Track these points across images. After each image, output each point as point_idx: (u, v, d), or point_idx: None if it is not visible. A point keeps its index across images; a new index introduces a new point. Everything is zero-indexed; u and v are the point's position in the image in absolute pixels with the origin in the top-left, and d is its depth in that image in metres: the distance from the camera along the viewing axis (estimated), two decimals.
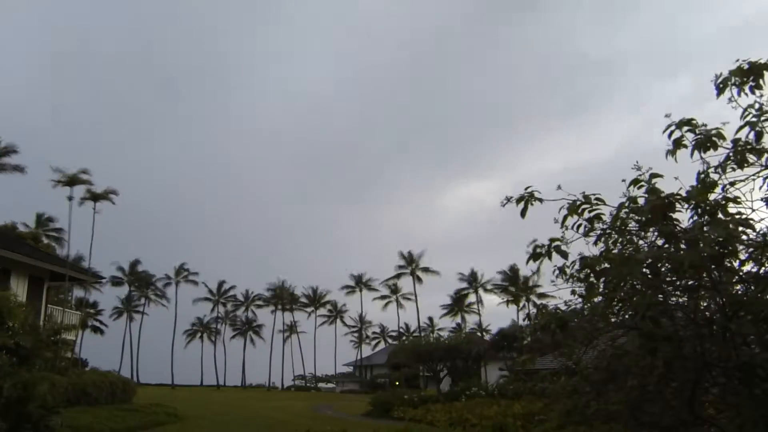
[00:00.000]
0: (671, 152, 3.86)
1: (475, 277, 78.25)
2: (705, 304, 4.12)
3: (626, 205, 3.98)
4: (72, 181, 32.20)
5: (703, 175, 3.83)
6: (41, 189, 33.80)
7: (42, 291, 27.72)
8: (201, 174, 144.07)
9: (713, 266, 3.63)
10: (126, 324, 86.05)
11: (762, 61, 3.60)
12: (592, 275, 4.11)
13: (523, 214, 4.22)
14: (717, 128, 3.71)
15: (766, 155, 3.66)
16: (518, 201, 4.22)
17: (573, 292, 4.41)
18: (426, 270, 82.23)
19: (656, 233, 3.95)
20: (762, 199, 3.71)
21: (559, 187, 4.11)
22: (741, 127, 3.64)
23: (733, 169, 3.73)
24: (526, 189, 4.23)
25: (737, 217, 3.68)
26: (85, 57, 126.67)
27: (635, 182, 3.98)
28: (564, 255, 4.16)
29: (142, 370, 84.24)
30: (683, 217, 3.89)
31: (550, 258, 4.19)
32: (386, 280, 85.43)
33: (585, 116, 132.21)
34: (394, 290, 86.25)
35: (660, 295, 3.89)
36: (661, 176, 3.92)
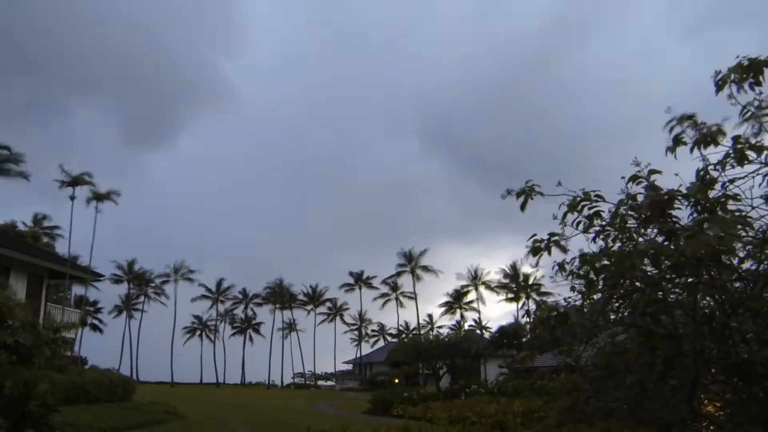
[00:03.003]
0: (671, 149, 3.85)
1: (477, 273, 78.28)
2: (704, 302, 4.12)
3: (625, 201, 3.98)
4: (75, 181, 32.51)
5: (702, 172, 3.82)
6: (43, 190, 33.99)
7: (41, 289, 27.73)
8: (201, 171, 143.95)
9: (712, 263, 3.62)
10: (125, 322, 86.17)
11: (762, 58, 3.59)
12: (591, 272, 4.11)
13: (522, 208, 4.22)
14: (717, 124, 3.70)
15: (765, 152, 3.65)
16: (518, 195, 4.22)
17: (573, 289, 4.42)
18: (426, 268, 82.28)
19: (656, 230, 3.95)
20: (762, 197, 3.70)
21: (559, 183, 4.10)
22: (741, 122, 3.63)
23: (733, 167, 3.72)
24: (526, 182, 4.23)
25: (737, 214, 3.68)
26: None
27: (634, 179, 3.97)
28: (563, 250, 4.16)
29: (142, 368, 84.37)
30: (682, 214, 3.89)
31: (549, 253, 4.19)
32: (386, 279, 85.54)
33: None
34: (394, 288, 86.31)
35: (659, 293, 3.89)
36: (659, 172, 3.91)
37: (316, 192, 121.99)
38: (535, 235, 4.23)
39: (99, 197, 34.16)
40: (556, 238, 4.15)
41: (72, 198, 32.76)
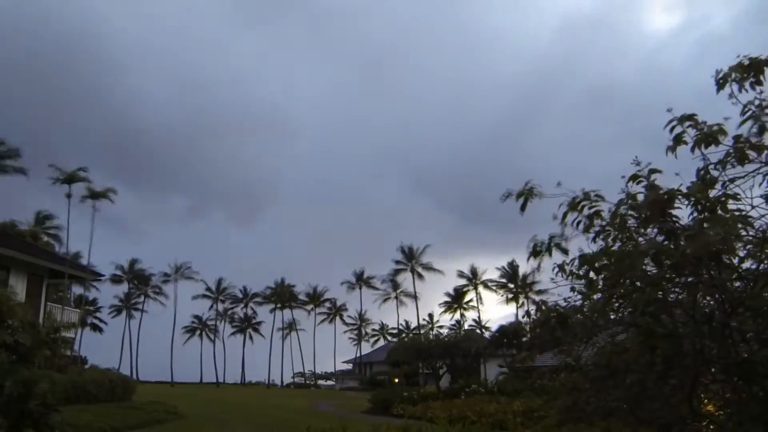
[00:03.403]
0: (671, 148, 3.84)
1: (475, 273, 78.11)
2: (704, 301, 4.12)
3: (625, 201, 3.98)
4: (70, 178, 32.29)
5: (702, 172, 3.82)
6: (42, 188, 34.01)
7: (41, 288, 27.73)
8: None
9: (712, 263, 3.62)
10: (125, 321, 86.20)
11: (762, 57, 3.58)
12: (591, 272, 4.11)
13: (522, 209, 4.21)
14: (719, 124, 3.69)
15: (766, 152, 3.65)
16: (518, 196, 4.21)
17: (573, 289, 4.41)
18: (426, 267, 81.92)
19: (656, 230, 3.95)
20: (762, 196, 3.70)
21: (559, 184, 4.10)
22: (743, 122, 3.62)
23: (733, 166, 3.72)
24: (526, 184, 4.22)
25: (737, 213, 3.68)
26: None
27: (634, 178, 3.97)
28: (564, 251, 4.16)
29: (142, 368, 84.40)
30: (683, 214, 3.89)
31: (550, 255, 4.18)
32: (386, 276, 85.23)
33: None
34: (394, 287, 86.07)
35: (659, 292, 3.89)
36: (660, 171, 3.90)
37: (319, 212, 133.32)
38: (535, 237, 4.23)
39: (95, 195, 34.03)
40: (557, 239, 4.15)
41: (68, 196, 32.60)
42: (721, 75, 3.68)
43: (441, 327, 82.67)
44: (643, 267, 3.81)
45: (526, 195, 4.18)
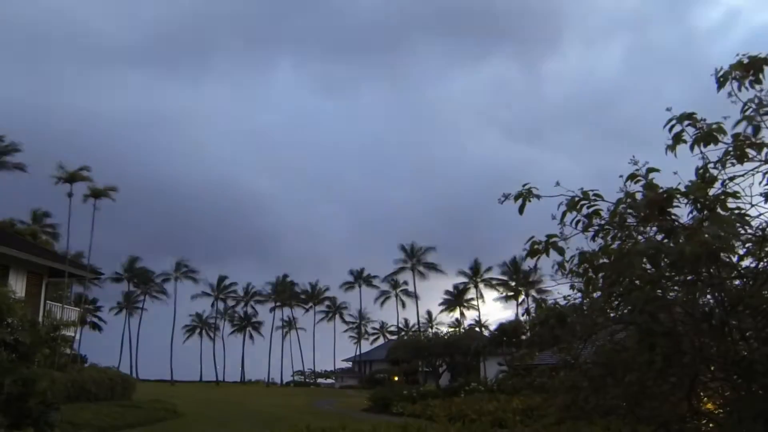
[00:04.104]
0: (671, 147, 3.84)
1: (477, 270, 77.74)
2: (704, 299, 4.12)
3: (624, 200, 3.98)
4: (72, 177, 32.29)
5: (702, 170, 3.82)
6: (42, 186, 34.00)
7: (41, 287, 27.71)
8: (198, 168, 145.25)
9: (710, 261, 3.62)
10: (125, 320, 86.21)
11: (762, 56, 3.58)
12: (590, 270, 4.11)
13: (521, 210, 4.21)
14: (718, 122, 3.69)
15: (765, 150, 3.65)
16: (516, 198, 4.21)
17: (572, 287, 4.41)
18: (429, 265, 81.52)
19: (655, 229, 3.95)
20: (761, 194, 3.70)
21: (557, 184, 4.10)
22: (739, 121, 3.62)
23: (733, 164, 3.72)
24: (524, 186, 4.22)
25: (736, 212, 3.68)
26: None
27: (632, 177, 3.97)
28: (561, 251, 4.15)
29: (141, 366, 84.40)
30: (682, 212, 3.89)
31: (547, 254, 4.18)
32: (387, 276, 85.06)
33: None
34: (394, 285, 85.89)
35: (658, 290, 3.89)
36: (657, 170, 3.91)
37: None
38: (533, 237, 4.23)
39: (96, 194, 34.06)
40: (554, 239, 4.15)
41: (70, 195, 32.58)
42: (721, 73, 3.68)
43: (440, 325, 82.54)
44: (642, 265, 3.81)
45: (524, 197, 4.18)
